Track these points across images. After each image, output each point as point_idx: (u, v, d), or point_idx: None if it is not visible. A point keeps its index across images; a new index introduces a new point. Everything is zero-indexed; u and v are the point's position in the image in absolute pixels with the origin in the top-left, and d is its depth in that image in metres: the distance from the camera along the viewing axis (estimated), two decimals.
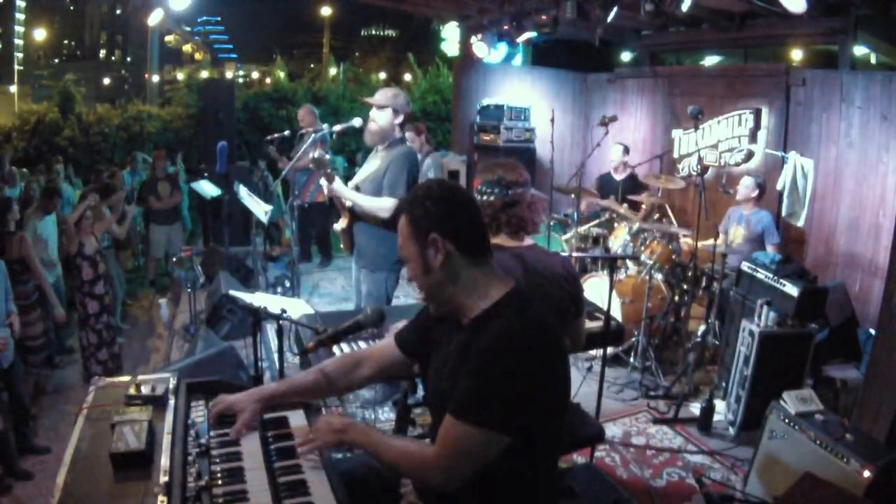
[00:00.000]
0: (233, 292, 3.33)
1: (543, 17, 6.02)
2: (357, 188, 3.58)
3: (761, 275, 4.00)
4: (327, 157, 6.21)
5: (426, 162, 5.75)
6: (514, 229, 2.22)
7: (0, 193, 5.49)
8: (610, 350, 4.14)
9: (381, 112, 3.54)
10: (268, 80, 16.38)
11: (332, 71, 17.18)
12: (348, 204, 3.57)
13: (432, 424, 1.77)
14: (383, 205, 3.42)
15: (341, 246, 3.90)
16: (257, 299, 2.78)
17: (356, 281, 3.79)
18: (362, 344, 2.71)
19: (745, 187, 4.96)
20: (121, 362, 5.05)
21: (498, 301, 1.56)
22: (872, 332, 3.86)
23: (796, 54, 9.00)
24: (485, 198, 2.20)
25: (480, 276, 1.59)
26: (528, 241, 2.29)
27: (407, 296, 5.40)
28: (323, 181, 3.57)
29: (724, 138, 6.13)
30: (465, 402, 1.45)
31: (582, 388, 3.79)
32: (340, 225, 3.68)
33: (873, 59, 8.08)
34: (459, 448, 1.45)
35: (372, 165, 3.61)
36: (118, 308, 5.92)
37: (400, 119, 3.57)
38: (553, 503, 1.68)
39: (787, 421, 2.89)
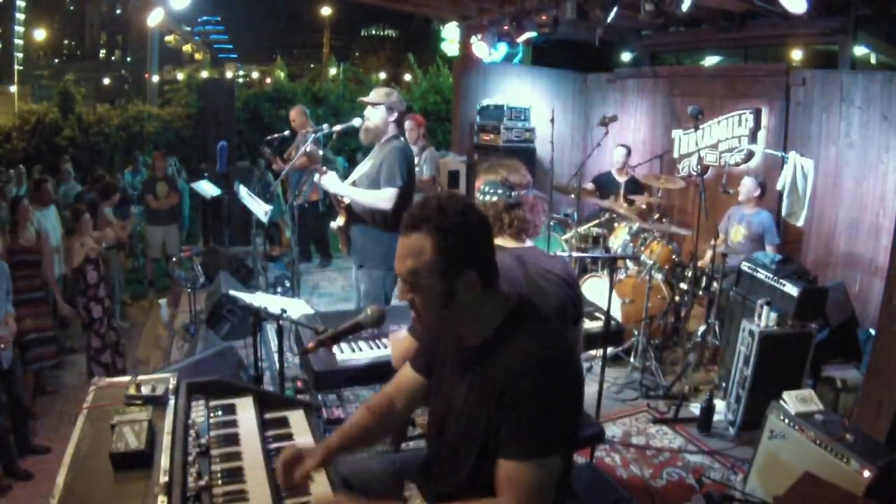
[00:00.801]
0: (233, 292, 3.32)
1: (543, 17, 6.02)
2: (353, 185, 3.56)
3: (761, 275, 3.99)
4: (320, 152, 6.19)
5: (422, 156, 5.73)
6: (516, 231, 2.22)
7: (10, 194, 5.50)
8: (610, 350, 4.13)
9: (375, 110, 3.53)
10: (268, 80, 16.39)
11: (332, 71, 17.19)
12: (346, 201, 3.54)
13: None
14: (384, 195, 3.37)
15: (339, 245, 3.88)
16: (257, 299, 2.77)
17: (356, 280, 3.77)
18: (363, 344, 2.71)
19: (747, 188, 4.95)
20: (124, 364, 5.05)
21: (505, 319, 1.53)
22: (872, 332, 3.86)
23: (796, 54, 8.99)
24: (487, 198, 2.19)
25: (490, 303, 1.54)
26: (528, 242, 2.29)
27: None
28: (316, 176, 3.56)
29: (724, 138, 6.13)
30: (517, 443, 1.42)
31: None
32: (338, 223, 3.65)
33: (873, 59, 8.08)
34: (533, 486, 1.42)
35: (367, 163, 3.60)
36: (117, 308, 5.92)
37: (394, 117, 3.56)
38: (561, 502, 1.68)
39: (787, 421, 2.89)
